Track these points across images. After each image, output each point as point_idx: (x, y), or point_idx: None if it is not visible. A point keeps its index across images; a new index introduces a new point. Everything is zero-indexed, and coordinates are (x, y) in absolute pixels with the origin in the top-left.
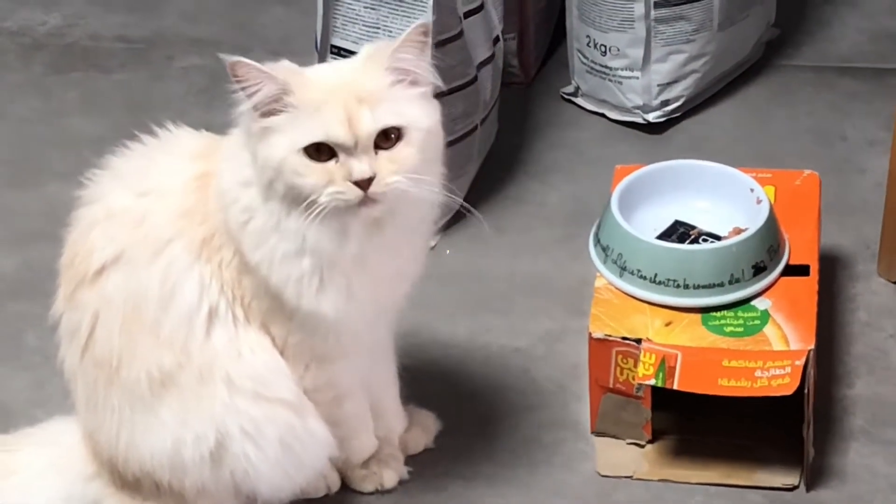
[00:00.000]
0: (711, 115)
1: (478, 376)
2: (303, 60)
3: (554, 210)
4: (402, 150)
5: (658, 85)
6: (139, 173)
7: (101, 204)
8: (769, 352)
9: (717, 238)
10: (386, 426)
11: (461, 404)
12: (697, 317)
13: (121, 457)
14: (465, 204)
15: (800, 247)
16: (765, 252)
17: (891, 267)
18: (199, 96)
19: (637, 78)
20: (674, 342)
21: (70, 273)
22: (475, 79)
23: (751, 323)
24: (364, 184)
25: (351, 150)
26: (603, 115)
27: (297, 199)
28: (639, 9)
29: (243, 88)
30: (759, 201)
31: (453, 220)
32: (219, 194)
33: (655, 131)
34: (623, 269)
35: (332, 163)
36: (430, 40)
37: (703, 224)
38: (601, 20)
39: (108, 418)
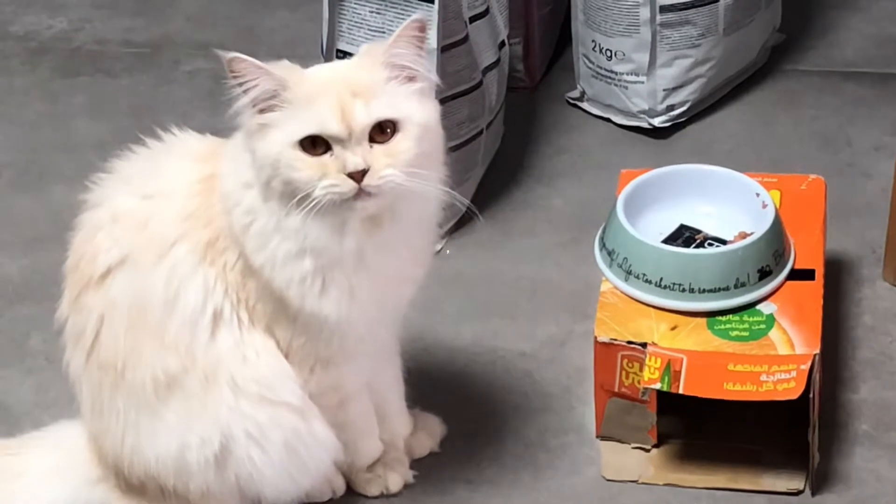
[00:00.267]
0: (717, 119)
1: (483, 380)
2: (308, 65)
3: (559, 214)
4: (397, 144)
5: (664, 89)
6: (144, 176)
7: (106, 207)
8: (774, 356)
9: (723, 242)
10: (391, 430)
11: (466, 408)
12: (703, 321)
13: (126, 460)
14: (470, 204)
15: (805, 251)
16: (770, 256)
17: None
18: (204, 100)
19: (642, 82)
20: (679, 346)
21: (75, 276)
22: (480, 83)
23: (756, 327)
24: (358, 176)
25: (345, 143)
26: (608, 120)
27: (293, 195)
28: (644, 13)
29: (240, 84)
30: (764, 206)
31: (459, 224)
32: (222, 197)
33: (661, 136)
34: (628, 273)
35: (326, 156)
36: (426, 36)
37: (708, 228)
38: (607, 25)
39: (113, 421)
